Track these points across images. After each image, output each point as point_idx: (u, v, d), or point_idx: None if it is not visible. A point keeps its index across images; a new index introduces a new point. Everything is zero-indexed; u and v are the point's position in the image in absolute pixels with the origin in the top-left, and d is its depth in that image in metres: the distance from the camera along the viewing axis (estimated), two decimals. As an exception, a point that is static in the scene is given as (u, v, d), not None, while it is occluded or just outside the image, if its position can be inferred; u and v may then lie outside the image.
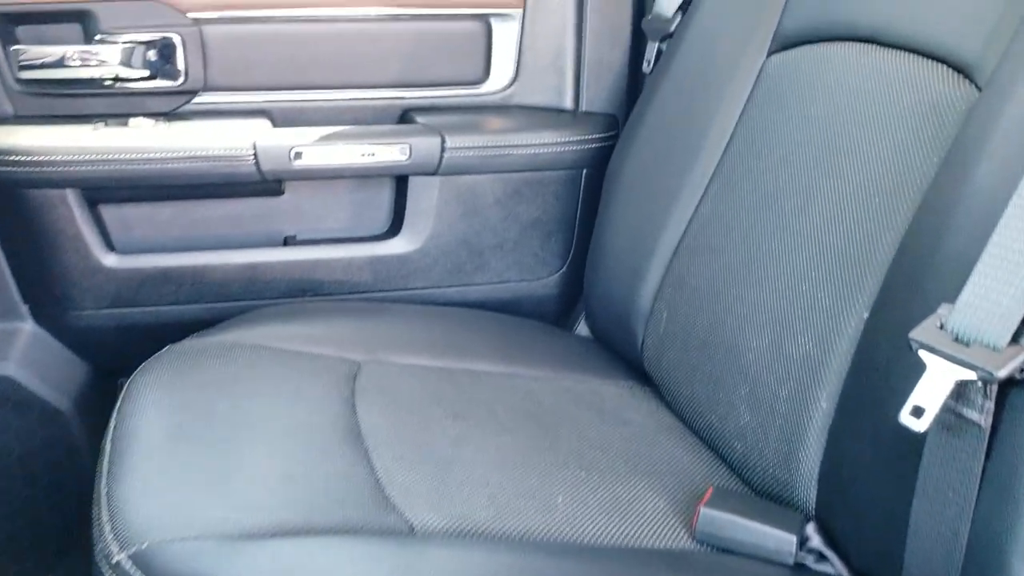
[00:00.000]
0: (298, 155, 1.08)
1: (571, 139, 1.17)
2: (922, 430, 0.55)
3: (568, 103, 1.21)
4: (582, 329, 1.17)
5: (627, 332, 0.97)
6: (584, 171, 1.19)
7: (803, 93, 0.84)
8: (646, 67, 1.13)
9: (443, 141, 1.12)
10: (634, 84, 1.22)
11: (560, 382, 0.95)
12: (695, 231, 0.91)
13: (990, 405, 0.53)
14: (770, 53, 0.90)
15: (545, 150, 1.15)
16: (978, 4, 0.69)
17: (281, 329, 0.98)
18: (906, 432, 0.56)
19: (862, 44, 0.79)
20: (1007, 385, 0.53)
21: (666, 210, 0.94)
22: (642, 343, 0.95)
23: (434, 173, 1.13)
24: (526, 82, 1.20)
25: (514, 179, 1.16)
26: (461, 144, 1.13)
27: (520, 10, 1.17)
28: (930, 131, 0.70)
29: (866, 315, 0.70)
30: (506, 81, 1.20)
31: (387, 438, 0.80)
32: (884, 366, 0.65)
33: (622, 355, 1.01)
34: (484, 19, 1.17)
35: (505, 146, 1.14)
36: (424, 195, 1.15)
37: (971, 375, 0.53)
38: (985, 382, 0.53)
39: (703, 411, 0.85)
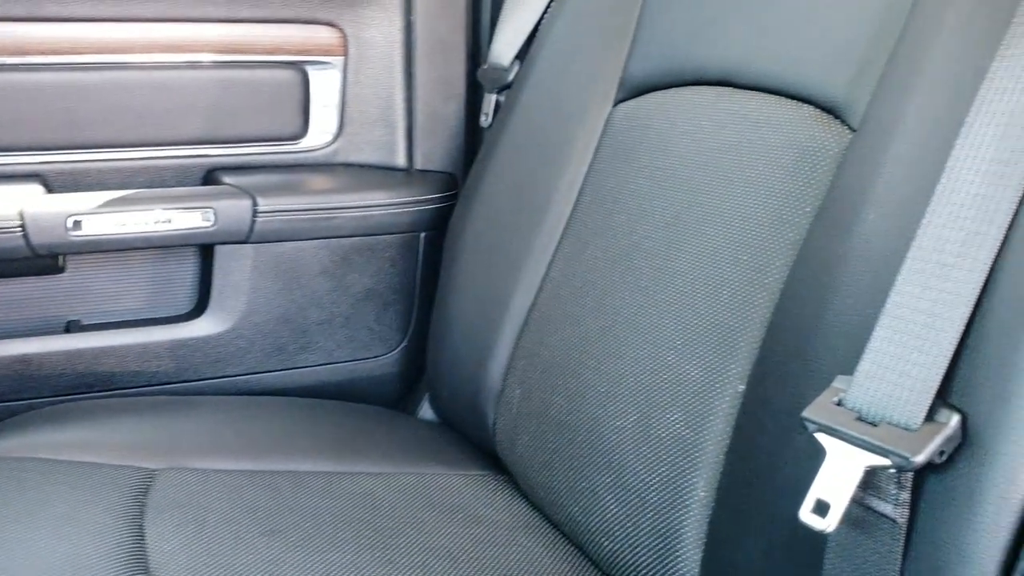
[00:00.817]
0: (77, 224, 0.92)
1: (405, 199, 1.06)
2: (829, 529, 0.45)
3: (401, 160, 1.11)
4: (426, 412, 1.06)
5: (476, 414, 0.87)
6: (422, 235, 1.08)
7: (654, 143, 0.76)
8: (484, 121, 1.04)
9: (255, 204, 0.99)
10: (472, 139, 1.13)
11: (401, 478, 0.82)
12: (547, 298, 0.82)
13: (906, 496, 0.45)
14: (616, 102, 0.83)
15: (376, 212, 1.04)
16: (839, 40, 0.63)
17: (58, 435, 0.83)
18: (805, 529, 0.47)
19: (716, 88, 0.73)
20: (925, 471, 0.45)
21: (514, 275, 0.85)
22: (494, 425, 0.85)
23: (245, 241, 1.00)
24: (352, 137, 1.09)
25: (342, 245, 1.04)
26: (277, 207, 1.00)
27: (341, 58, 1.06)
28: (802, 178, 0.63)
29: (742, 388, 0.61)
30: (328, 137, 1.09)
31: (182, 570, 0.64)
32: (769, 449, 0.56)
33: (472, 440, 0.91)
34: (299, 67, 1.06)
35: (330, 208, 1.02)
36: (234, 267, 1.01)
37: (883, 461, 0.44)
38: (900, 469, 0.44)
39: (564, 502, 0.74)
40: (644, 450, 0.67)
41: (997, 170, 0.45)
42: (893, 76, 0.58)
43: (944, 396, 0.45)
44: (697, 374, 0.65)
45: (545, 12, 0.98)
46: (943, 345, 0.44)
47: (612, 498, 0.69)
